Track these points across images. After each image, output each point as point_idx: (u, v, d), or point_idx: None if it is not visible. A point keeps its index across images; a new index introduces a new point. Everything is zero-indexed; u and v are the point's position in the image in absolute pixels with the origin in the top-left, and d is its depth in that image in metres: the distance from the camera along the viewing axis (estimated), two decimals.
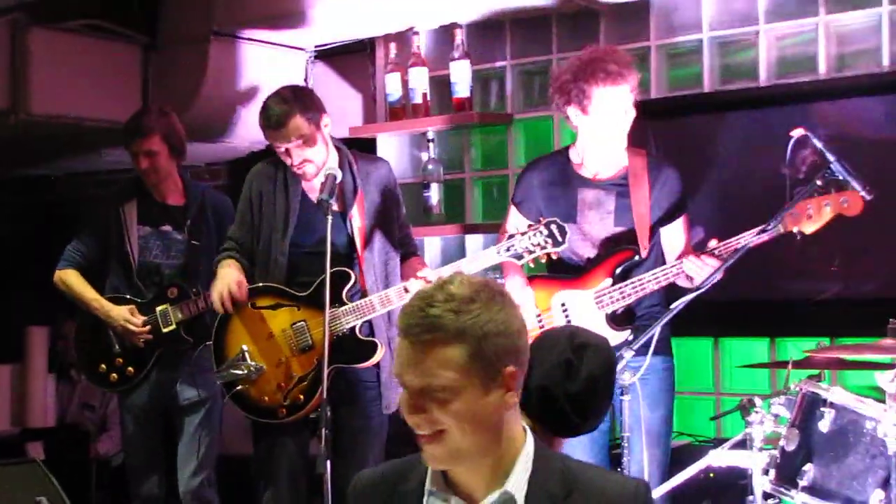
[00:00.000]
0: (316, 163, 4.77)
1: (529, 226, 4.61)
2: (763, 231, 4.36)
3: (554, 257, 4.60)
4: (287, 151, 4.73)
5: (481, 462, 2.50)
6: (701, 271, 4.44)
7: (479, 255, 4.70)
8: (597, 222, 4.77)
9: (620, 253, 4.69)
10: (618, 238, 4.74)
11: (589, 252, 4.78)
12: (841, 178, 4.24)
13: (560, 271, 4.74)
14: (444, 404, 2.43)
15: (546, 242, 4.54)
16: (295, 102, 4.72)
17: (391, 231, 4.97)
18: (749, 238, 4.38)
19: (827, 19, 5.49)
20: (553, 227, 4.54)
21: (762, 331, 5.69)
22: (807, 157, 4.43)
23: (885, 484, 3.89)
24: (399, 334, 2.48)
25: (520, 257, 4.58)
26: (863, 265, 5.41)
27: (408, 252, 5.07)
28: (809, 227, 4.36)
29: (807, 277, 5.48)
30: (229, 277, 4.82)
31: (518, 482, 2.51)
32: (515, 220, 4.93)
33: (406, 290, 4.60)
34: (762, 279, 5.45)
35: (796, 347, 5.41)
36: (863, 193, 4.25)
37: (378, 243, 4.91)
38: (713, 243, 4.49)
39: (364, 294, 4.77)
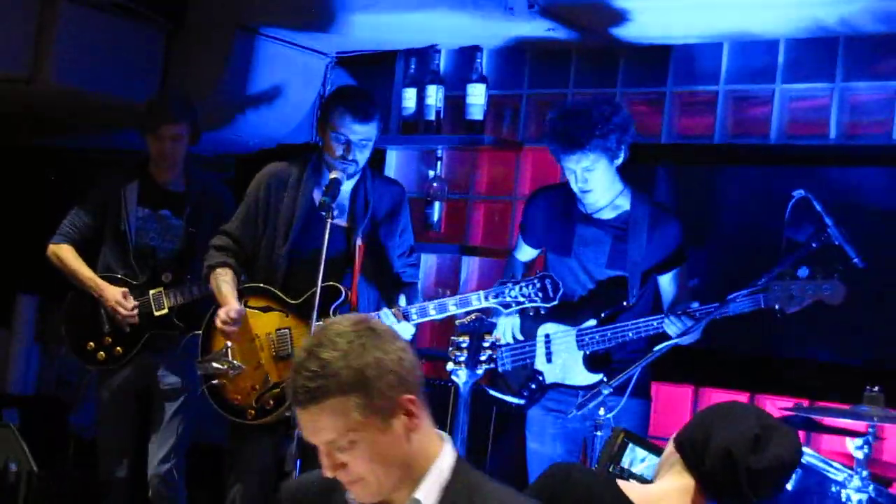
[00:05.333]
0: (360, 167, 4.85)
1: (524, 275, 4.72)
2: (744, 301, 4.49)
3: (542, 312, 4.65)
4: (348, 144, 4.79)
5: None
6: (677, 329, 4.57)
7: (466, 297, 4.70)
8: (591, 261, 4.85)
9: (611, 296, 4.78)
10: (610, 280, 4.82)
11: (580, 289, 4.86)
12: (836, 242, 4.33)
13: None
14: (354, 455, 2.54)
15: (536, 297, 4.59)
16: (378, 109, 4.88)
17: (392, 255, 5.03)
18: (728, 306, 4.49)
19: (842, 86, 5.54)
20: (547, 281, 4.60)
21: (743, 385, 5.68)
22: (805, 220, 4.48)
23: None
24: (290, 399, 2.58)
25: (507, 306, 4.64)
26: (851, 332, 5.36)
27: (405, 280, 5.09)
28: (790, 308, 4.47)
29: (793, 337, 5.46)
30: (234, 304, 4.85)
31: (429, 493, 2.62)
32: (520, 245, 5.10)
33: (378, 318, 4.58)
34: (748, 333, 5.41)
35: (776, 406, 5.38)
36: (856, 260, 4.35)
37: (377, 265, 4.95)
38: (695, 305, 4.59)
39: (351, 313, 4.59)
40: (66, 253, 5.62)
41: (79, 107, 6.63)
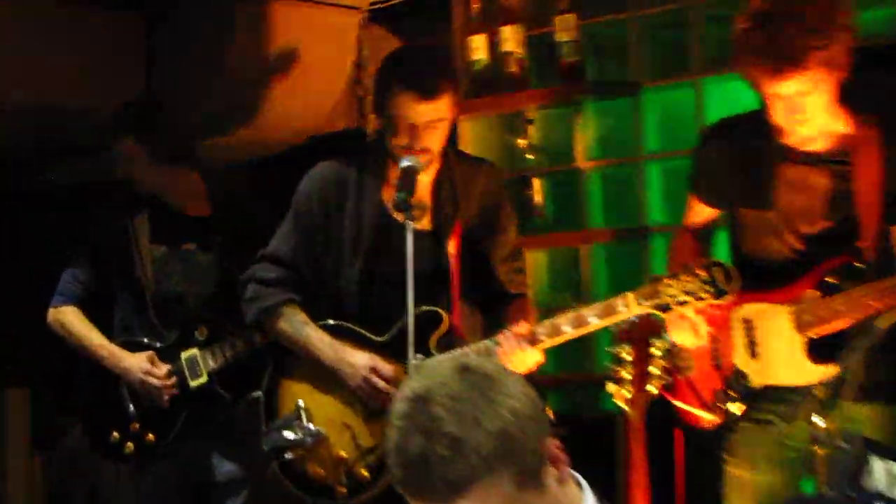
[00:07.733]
0: (434, 154, 4.50)
1: (683, 268, 4.26)
2: None
3: (716, 302, 4.24)
4: (412, 128, 4.40)
5: None
6: None
7: (610, 303, 4.29)
8: (800, 211, 4.29)
9: (834, 257, 4.21)
10: (831, 236, 4.26)
11: (788, 252, 4.32)
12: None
13: (746, 276, 4.23)
14: None
15: (704, 292, 4.19)
16: (452, 77, 4.55)
17: (494, 261, 4.74)
18: None
19: None
20: (715, 270, 4.16)
21: None
22: None
23: None
24: (410, 498, 2.42)
25: (666, 309, 4.22)
26: None
27: (513, 292, 4.77)
28: None
29: None
30: (365, 359, 4.51)
31: None
32: (696, 210, 4.61)
33: (499, 345, 4.34)
34: None
35: None
36: None
37: (476, 277, 4.68)
38: None
39: (458, 343, 4.51)
40: (70, 317, 5.30)
41: (53, 125, 6.33)
